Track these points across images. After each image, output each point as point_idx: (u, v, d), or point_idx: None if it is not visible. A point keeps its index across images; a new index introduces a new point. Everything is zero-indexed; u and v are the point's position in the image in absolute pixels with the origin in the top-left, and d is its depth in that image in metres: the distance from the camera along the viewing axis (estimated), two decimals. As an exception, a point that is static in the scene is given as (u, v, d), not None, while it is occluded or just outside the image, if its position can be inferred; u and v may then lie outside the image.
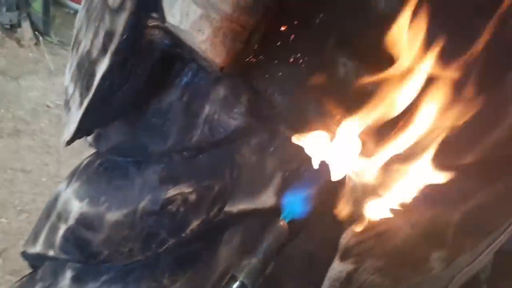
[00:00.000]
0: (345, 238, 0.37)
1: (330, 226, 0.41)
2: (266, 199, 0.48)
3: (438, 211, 0.36)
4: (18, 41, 2.41)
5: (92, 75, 0.40)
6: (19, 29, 2.44)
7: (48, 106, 2.09)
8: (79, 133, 0.47)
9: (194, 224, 0.55)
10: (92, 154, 0.63)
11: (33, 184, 1.63)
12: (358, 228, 0.39)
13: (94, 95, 0.41)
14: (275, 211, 0.48)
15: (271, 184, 0.48)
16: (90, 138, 0.55)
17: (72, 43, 0.47)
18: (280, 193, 0.47)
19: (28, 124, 1.91)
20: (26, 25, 2.45)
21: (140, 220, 0.56)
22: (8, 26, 2.43)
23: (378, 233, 0.37)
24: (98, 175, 0.58)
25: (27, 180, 1.65)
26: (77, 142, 1.65)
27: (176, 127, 0.53)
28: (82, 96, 0.42)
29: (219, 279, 0.55)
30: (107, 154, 0.56)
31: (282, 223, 0.42)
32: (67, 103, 0.48)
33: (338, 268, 0.38)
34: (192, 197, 0.55)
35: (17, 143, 1.77)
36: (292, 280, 0.48)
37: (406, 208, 0.36)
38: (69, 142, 0.48)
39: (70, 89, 0.46)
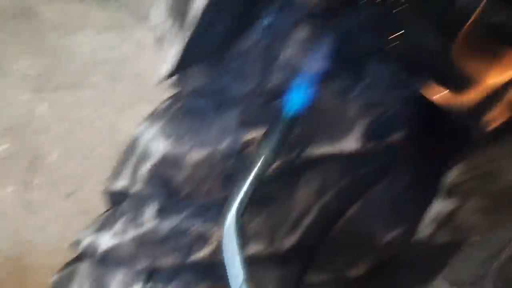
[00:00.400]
0: (450, 177, 0.38)
1: (421, 168, 0.42)
2: (348, 144, 0.50)
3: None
4: (70, -5, 2.46)
5: (190, 11, 0.42)
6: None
7: (100, 61, 2.15)
8: (176, 70, 0.49)
9: (272, 167, 0.58)
10: (169, 98, 0.66)
11: (93, 134, 1.72)
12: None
13: (193, 31, 0.43)
14: (356, 157, 0.50)
15: (353, 129, 0.50)
16: (172, 80, 0.58)
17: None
18: (363, 138, 0.49)
19: (84, 77, 1.98)
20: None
21: (219, 161, 0.60)
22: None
23: (485, 172, 0.38)
24: (179, 116, 0.61)
25: (87, 130, 1.74)
26: (132, 95, 1.71)
27: (256, 70, 0.55)
28: (181, 32, 0.45)
29: (296, 221, 0.58)
30: (187, 96, 0.60)
31: None
32: (160, 40, 0.50)
33: (439, 206, 0.39)
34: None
35: (76, 95, 1.86)
36: (375, 224, 0.50)
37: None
38: (165, 78, 0.52)
39: (165, 26, 0.48)
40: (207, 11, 0.42)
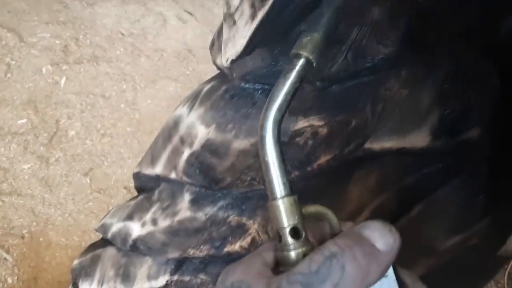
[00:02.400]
0: None
1: (495, 174, 0.37)
2: (419, 139, 0.45)
3: None
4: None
5: None
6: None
7: (122, 34, 2.11)
8: (246, 50, 0.44)
9: (323, 159, 0.53)
10: (213, 80, 0.61)
11: (112, 109, 1.69)
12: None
13: (270, 7, 0.38)
14: (423, 153, 0.45)
15: (426, 122, 0.45)
16: (224, 62, 0.53)
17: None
18: (434, 133, 0.43)
19: (105, 50, 1.94)
20: None
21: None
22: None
23: None
24: (224, 101, 0.56)
25: (107, 106, 1.71)
26: (153, 70, 1.67)
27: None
28: (255, 8, 0.40)
29: (349, 219, 0.54)
30: (237, 80, 0.54)
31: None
32: (230, 16, 0.45)
33: None
34: (323, 130, 0.53)
35: (96, 69, 1.82)
36: (438, 228, 0.46)
37: None
38: (234, 61, 0.47)
39: (236, 1, 0.43)
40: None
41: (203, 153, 0.57)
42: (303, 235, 0.33)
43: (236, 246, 0.62)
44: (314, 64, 0.36)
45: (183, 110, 0.62)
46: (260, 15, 0.39)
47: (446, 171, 0.46)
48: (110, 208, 1.33)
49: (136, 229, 0.66)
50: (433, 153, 0.45)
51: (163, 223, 0.64)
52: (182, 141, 0.60)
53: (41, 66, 1.70)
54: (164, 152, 0.63)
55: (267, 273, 0.32)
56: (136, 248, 0.68)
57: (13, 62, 1.66)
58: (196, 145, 0.58)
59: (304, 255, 0.31)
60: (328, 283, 0.28)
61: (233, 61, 0.46)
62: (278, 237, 0.33)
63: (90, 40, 1.94)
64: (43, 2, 1.98)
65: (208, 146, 0.57)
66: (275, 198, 0.34)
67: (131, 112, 1.73)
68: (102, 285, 0.74)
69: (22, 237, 1.19)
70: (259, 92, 0.55)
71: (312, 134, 0.53)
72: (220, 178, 0.58)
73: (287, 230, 0.33)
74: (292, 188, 0.34)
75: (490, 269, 0.48)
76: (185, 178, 0.60)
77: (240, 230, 0.61)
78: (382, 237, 0.29)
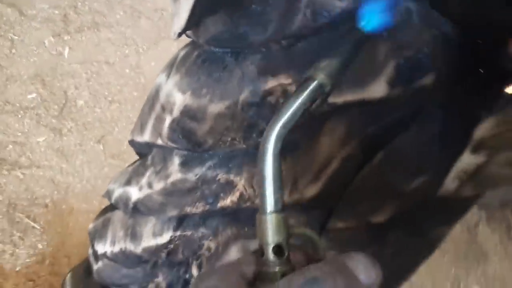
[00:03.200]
0: (480, 130, 0.35)
1: (449, 120, 0.39)
2: (376, 89, 0.46)
3: None
4: None
5: None
6: None
7: (119, -3, 2.09)
8: (189, 23, 0.46)
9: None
10: (187, 46, 0.63)
11: (118, 75, 1.71)
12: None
13: None
14: (383, 103, 0.47)
15: (382, 73, 0.46)
16: (172, 35, 0.55)
17: None
18: (391, 83, 0.45)
19: (105, 16, 1.94)
20: None
21: (241, 111, 0.57)
22: None
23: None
24: (197, 67, 0.58)
25: (112, 72, 1.74)
26: (153, 32, 1.67)
27: (276, 13, 0.50)
28: None
29: (319, 171, 0.57)
30: (205, 45, 0.56)
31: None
32: None
33: (467, 160, 0.37)
34: (292, 88, 0.55)
35: (97, 36, 1.83)
36: (400, 172, 0.48)
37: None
38: (180, 34, 0.48)
39: None
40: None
41: (183, 119, 0.60)
42: (286, 254, 0.33)
43: (227, 201, 0.66)
44: (327, 89, 0.36)
45: (162, 78, 0.64)
46: None
47: (404, 118, 0.48)
48: (125, 171, 1.40)
49: (134, 193, 0.71)
50: (391, 102, 0.46)
51: (158, 185, 0.69)
52: (163, 108, 0.62)
53: (43, 39, 1.72)
54: (150, 120, 0.66)
55: (243, 286, 0.31)
56: (137, 210, 0.73)
57: (16, 37, 1.69)
58: (176, 112, 0.61)
59: (284, 274, 0.32)
60: None
61: (179, 34, 0.47)
62: (261, 252, 0.34)
63: (89, 6, 1.94)
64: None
65: (187, 112, 0.59)
66: (264, 213, 0.34)
67: (136, 76, 1.75)
68: (114, 245, 0.81)
69: (46, 206, 1.28)
70: (229, 55, 0.57)
71: (282, 93, 0.55)
72: (202, 141, 0.61)
73: (271, 246, 0.33)
74: (283, 206, 0.34)
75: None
76: (170, 143, 0.63)
77: (229, 186, 0.65)
78: (365, 270, 0.29)
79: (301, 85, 0.36)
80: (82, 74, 1.66)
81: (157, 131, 0.64)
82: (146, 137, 0.67)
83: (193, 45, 0.60)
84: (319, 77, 0.36)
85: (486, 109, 0.35)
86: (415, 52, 0.43)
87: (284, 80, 0.55)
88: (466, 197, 0.45)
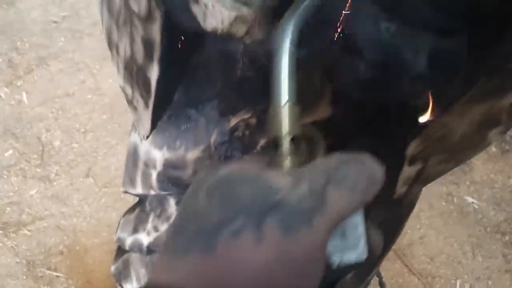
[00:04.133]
0: (410, 149, 0.42)
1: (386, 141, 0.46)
2: (322, 110, 0.53)
3: (491, 104, 0.39)
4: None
5: (146, 80, 0.42)
6: None
7: (55, 22, 2.06)
8: (154, 127, 0.52)
9: (262, 142, 0.62)
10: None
11: (82, 104, 1.73)
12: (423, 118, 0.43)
13: (155, 96, 0.44)
14: (332, 120, 0.54)
15: (323, 96, 0.53)
16: (141, 138, 0.61)
17: (107, 42, 0.49)
18: (334, 102, 0.52)
19: (47, 47, 1.92)
20: None
21: (216, 150, 0.64)
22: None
23: (438, 137, 0.42)
24: (165, 123, 0.64)
25: (75, 103, 1.75)
26: (98, 49, 1.65)
27: (219, 70, 0.56)
28: (144, 98, 0.46)
29: None
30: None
31: None
32: (130, 103, 0.52)
33: (408, 171, 0.44)
34: (253, 120, 0.61)
35: (48, 71, 1.83)
36: None
37: (461, 110, 0.39)
38: (148, 137, 0.54)
39: (129, 91, 0.49)
40: (162, 79, 0.43)
41: (167, 170, 0.67)
42: (304, 146, 0.32)
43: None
44: None
45: (135, 137, 0.70)
46: (150, 104, 0.46)
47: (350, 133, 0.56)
48: (122, 196, 1.46)
49: (144, 239, 0.78)
50: (336, 119, 0.54)
51: (163, 227, 0.76)
52: (147, 165, 0.69)
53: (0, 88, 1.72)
54: (137, 176, 0.72)
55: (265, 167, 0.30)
56: (151, 252, 0.80)
57: (-28, 100, 1.69)
58: (159, 166, 0.67)
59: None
60: (349, 180, 0.27)
61: (147, 137, 0.53)
62: (274, 146, 0.32)
63: (28, 43, 1.92)
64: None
65: (168, 164, 0.66)
66: (280, 105, 0.32)
67: (100, 98, 1.77)
68: (140, 281, 0.89)
69: (62, 253, 1.34)
70: (190, 108, 0.63)
71: (246, 126, 0.62)
72: (189, 182, 0.68)
73: (289, 137, 0.32)
74: (295, 96, 0.33)
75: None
76: (162, 192, 0.70)
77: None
78: (377, 166, 0.28)
79: None
80: (48, 115, 1.67)
81: (147, 185, 0.71)
82: (138, 190, 0.74)
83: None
84: None
85: (411, 134, 0.42)
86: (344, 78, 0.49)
87: (244, 115, 0.61)
88: (416, 193, 0.53)
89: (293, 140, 0.32)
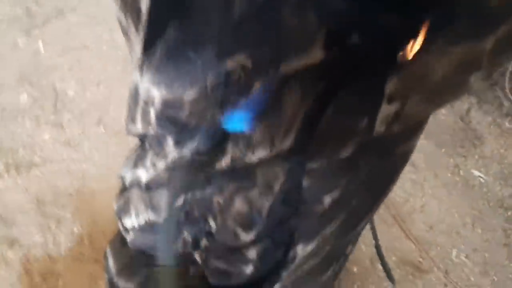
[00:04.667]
0: (389, 87, 0.43)
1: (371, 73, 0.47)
2: (314, 54, 0.54)
3: (470, 47, 0.40)
4: None
5: (138, 8, 0.44)
6: None
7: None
8: (144, 53, 0.54)
9: (257, 85, 0.64)
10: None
11: (97, 56, 1.76)
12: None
13: (146, 22, 0.46)
14: (324, 64, 0.55)
15: (316, 40, 0.54)
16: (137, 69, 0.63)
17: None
18: (326, 46, 0.53)
19: (65, 3, 1.94)
20: None
21: (212, 92, 0.66)
22: None
23: (418, 75, 0.43)
24: (164, 64, 0.66)
25: (91, 55, 1.78)
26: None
27: (216, 11, 0.57)
28: (136, 24, 0.48)
29: (288, 125, 0.66)
30: (168, 45, 0.64)
31: None
32: (125, 33, 0.54)
33: (386, 110, 0.45)
34: (248, 62, 0.63)
35: (66, 23, 1.85)
36: (350, 115, 0.57)
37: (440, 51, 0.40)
38: (141, 64, 0.56)
39: (123, 21, 0.51)
40: (152, 10, 0.45)
41: (165, 109, 0.69)
42: None
43: (222, 164, 0.77)
44: None
45: (136, 76, 0.72)
46: (141, 31, 0.47)
47: (342, 74, 0.57)
48: (131, 145, 1.50)
49: (143, 174, 0.82)
50: (330, 62, 0.55)
51: (161, 164, 0.79)
52: (146, 103, 0.71)
53: (16, 40, 1.76)
54: (137, 113, 0.75)
55: None
56: (149, 187, 0.84)
57: (-9, 45, 1.73)
58: (157, 105, 0.69)
59: None
60: None
61: (140, 65, 0.55)
62: None
63: (48, -3, 1.94)
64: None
65: (166, 104, 0.68)
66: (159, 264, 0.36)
67: (114, 51, 1.80)
68: (138, 217, 0.93)
69: (70, 195, 1.40)
70: (189, 49, 0.65)
71: (241, 69, 0.63)
72: (186, 122, 0.70)
73: None
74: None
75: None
76: (160, 131, 0.73)
77: (220, 154, 0.75)
78: None
79: None
80: (64, 65, 1.71)
81: (146, 122, 0.74)
82: (138, 127, 0.77)
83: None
84: None
85: (390, 71, 0.42)
86: (342, 16, 0.50)
87: (240, 58, 0.63)
88: (398, 132, 0.54)
89: None
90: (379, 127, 0.47)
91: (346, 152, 0.63)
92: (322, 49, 0.54)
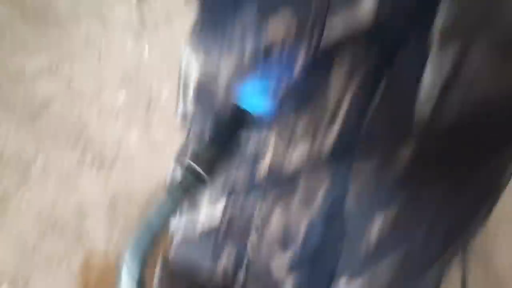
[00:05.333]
0: (440, 16, 0.25)
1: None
2: (364, 9, 0.38)
3: None
4: None
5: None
6: None
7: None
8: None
9: (300, 61, 0.49)
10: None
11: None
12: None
13: None
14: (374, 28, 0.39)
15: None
16: None
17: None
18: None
19: (177, 7, 2.00)
20: None
21: (249, 62, 0.54)
22: None
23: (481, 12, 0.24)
24: (204, 29, 0.56)
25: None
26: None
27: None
28: None
29: (333, 112, 0.51)
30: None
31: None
32: None
33: (437, 61, 0.27)
34: (292, 29, 0.49)
35: (173, 30, 1.90)
36: (407, 97, 0.40)
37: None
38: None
39: None
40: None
41: (202, 79, 0.59)
42: None
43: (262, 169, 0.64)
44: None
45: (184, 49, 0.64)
46: None
47: (396, 41, 0.39)
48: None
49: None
50: (381, 25, 0.38)
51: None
52: (186, 77, 0.62)
53: (125, 42, 1.84)
54: (180, 93, 0.66)
55: None
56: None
57: (103, 47, 1.84)
58: (194, 75, 0.60)
59: None
60: None
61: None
62: None
63: (161, 2, 2.02)
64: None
65: (204, 79, 0.59)
66: None
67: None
68: (181, 216, 0.83)
69: (143, 197, 1.37)
70: (230, 8, 0.54)
71: (285, 36, 0.49)
72: (221, 99, 0.59)
73: None
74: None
75: None
76: (196, 110, 0.62)
77: (264, 143, 0.62)
78: None
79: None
80: (163, 69, 1.73)
81: (185, 100, 0.64)
82: (181, 108, 0.68)
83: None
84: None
85: None
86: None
87: (283, 18, 0.49)
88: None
89: None
90: (424, 105, 0.29)
91: (402, 157, 0.43)
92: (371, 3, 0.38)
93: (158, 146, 1.51)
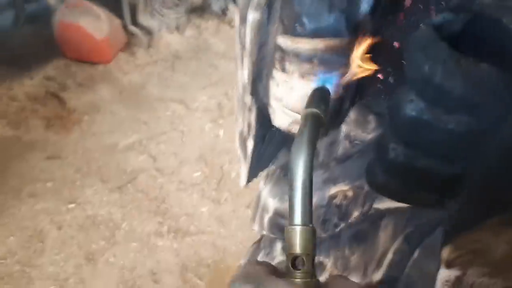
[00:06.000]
0: (445, 252, 0.45)
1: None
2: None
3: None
4: (229, 23, 2.83)
5: (246, 147, 0.58)
6: (228, 13, 2.86)
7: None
8: (248, 179, 0.67)
9: (355, 214, 0.70)
10: (273, 165, 0.85)
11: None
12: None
13: (250, 161, 0.59)
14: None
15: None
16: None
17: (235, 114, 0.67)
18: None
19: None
20: (232, 7, 2.84)
21: (315, 211, 0.75)
22: (220, 13, 2.88)
23: (473, 250, 0.44)
24: (280, 179, 0.78)
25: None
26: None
27: (323, 145, 0.68)
28: (243, 158, 0.62)
29: (380, 259, 0.69)
30: (280, 169, 0.76)
31: None
32: (239, 159, 0.69)
33: (445, 273, 0.46)
34: (350, 193, 0.70)
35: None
36: (433, 264, 0.58)
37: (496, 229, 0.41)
38: (245, 186, 0.70)
39: (239, 152, 0.67)
40: (254, 150, 0.58)
41: (276, 217, 0.80)
42: (308, 267, 0.34)
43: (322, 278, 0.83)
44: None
45: (262, 185, 0.86)
46: (246, 164, 0.60)
47: (430, 222, 0.58)
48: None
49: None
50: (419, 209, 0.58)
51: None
52: (263, 208, 0.83)
53: (204, 125, 2.14)
54: (256, 216, 0.88)
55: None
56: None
57: (185, 128, 2.15)
58: (271, 212, 0.81)
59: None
60: None
61: (245, 186, 0.67)
62: (287, 260, 0.35)
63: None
64: (199, 72, 2.46)
65: (277, 212, 0.79)
66: (294, 224, 0.35)
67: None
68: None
69: (208, 266, 1.58)
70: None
71: (343, 197, 0.71)
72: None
73: (295, 257, 0.34)
74: (311, 220, 0.35)
75: None
76: (271, 235, 0.83)
77: (320, 267, 0.81)
78: None
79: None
80: (233, 151, 2.00)
81: (261, 225, 0.85)
82: (256, 227, 0.89)
83: (275, 165, 0.81)
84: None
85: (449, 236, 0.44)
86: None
87: (343, 187, 0.70)
88: None
89: (298, 258, 0.35)
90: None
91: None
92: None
93: (224, 220, 1.74)
